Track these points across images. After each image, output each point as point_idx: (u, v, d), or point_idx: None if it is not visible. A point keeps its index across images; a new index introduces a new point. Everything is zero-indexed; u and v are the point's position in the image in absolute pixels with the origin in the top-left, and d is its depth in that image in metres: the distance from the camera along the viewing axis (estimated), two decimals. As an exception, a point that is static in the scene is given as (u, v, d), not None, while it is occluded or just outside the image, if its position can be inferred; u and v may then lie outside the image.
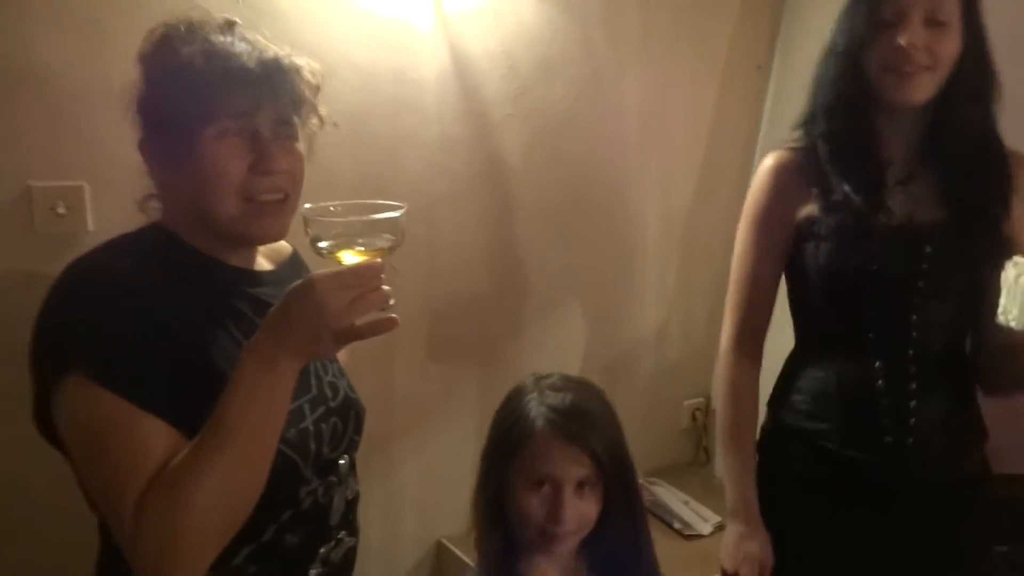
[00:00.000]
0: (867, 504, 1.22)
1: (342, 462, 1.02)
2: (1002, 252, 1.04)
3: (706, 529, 1.88)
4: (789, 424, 1.29)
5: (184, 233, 0.92)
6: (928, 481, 1.20)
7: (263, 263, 1.03)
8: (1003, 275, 0.99)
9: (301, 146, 0.94)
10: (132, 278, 0.86)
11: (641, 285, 2.08)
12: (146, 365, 0.81)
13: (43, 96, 1.28)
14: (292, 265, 1.08)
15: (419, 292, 1.72)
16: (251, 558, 0.90)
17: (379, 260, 0.82)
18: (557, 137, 1.83)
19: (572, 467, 1.03)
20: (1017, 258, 1.00)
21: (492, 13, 1.69)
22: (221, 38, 0.87)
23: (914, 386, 1.19)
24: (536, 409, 1.05)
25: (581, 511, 1.04)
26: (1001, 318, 1.00)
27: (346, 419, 1.02)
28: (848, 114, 1.20)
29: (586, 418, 1.05)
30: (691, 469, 2.22)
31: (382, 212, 0.83)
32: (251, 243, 0.97)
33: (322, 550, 0.99)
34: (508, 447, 1.06)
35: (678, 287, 2.13)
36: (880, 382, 1.19)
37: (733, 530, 1.27)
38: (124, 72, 0.90)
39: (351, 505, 1.05)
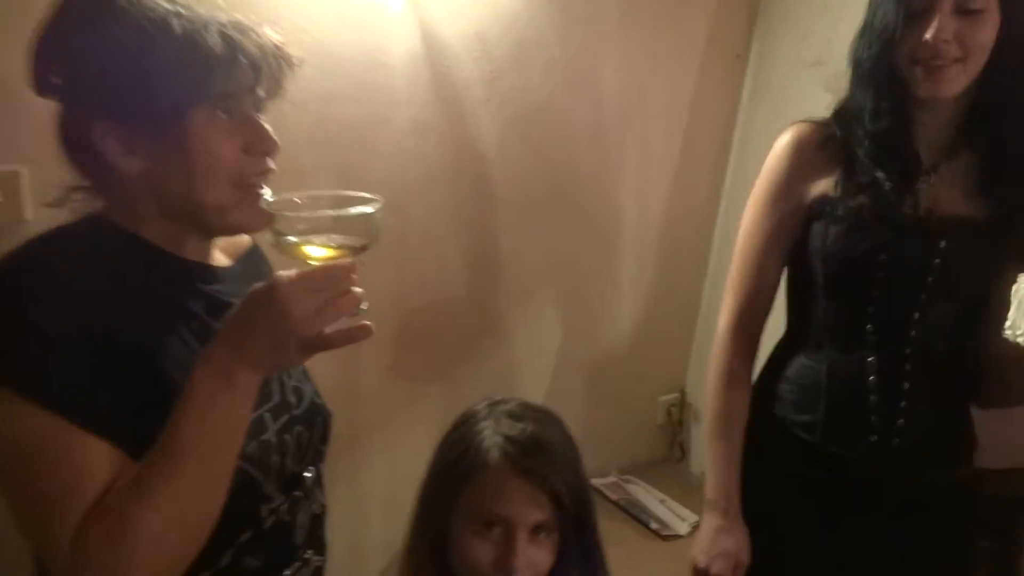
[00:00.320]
0: (847, 501, 1.19)
1: (308, 475, 0.95)
2: (1022, 260, 1.00)
3: (684, 529, 1.88)
4: (774, 414, 1.25)
5: (131, 223, 0.84)
6: (910, 484, 1.18)
7: (220, 257, 0.95)
8: (1014, 288, 0.96)
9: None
10: (69, 276, 0.78)
11: (617, 277, 2.07)
12: (84, 376, 0.73)
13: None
14: (251, 260, 1.00)
15: (387, 284, 1.69)
16: (208, 586, 0.84)
17: (350, 259, 0.75)
18: (532, 124, 1.82)
19: (529, 509, 0.90)
20: None
21: (465, -8, 1.66)
22: (179, 9, 0.78)
23: (907, 386, 1.16)
24: (491, 439, 0.93)
25: (534, 560, 0.91)
26: (1008, 332, 0.97)
27: (312, 427, 0.96)
28: (890, 108, 1.13)
29: (547, 453, 0.93)
30: (666, 466, 2.23)
31: (355, 206, 0.75)
32: (234, 233, 0.90)
33: (287, 572, 0.92)
34: (455, 480, 0.93)
35: (655, 279, 2.13)
36: (872, 378, 1.16)
37: (710, 523, 1.23)
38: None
39: (317, 520, 0.98)
